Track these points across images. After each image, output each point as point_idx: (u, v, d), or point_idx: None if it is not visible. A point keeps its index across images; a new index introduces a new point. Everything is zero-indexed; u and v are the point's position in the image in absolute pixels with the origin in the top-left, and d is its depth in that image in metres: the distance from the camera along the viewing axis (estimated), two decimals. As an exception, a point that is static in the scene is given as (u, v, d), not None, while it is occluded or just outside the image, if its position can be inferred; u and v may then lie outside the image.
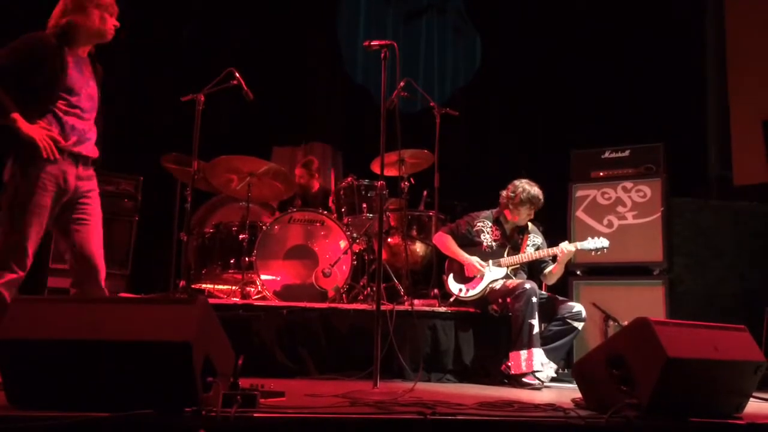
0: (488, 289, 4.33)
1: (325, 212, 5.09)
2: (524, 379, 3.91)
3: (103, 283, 3.03)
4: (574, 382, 2.94)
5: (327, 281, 4.77)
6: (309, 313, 4.17)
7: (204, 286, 5.16)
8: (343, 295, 4.84)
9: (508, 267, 4.36)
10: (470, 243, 4.48)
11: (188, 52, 6.85)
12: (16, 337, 2.12)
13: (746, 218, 5.20)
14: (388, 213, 5.26)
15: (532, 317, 3.99)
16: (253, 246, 4.73)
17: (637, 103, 6.56)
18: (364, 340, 3.73)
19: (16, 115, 2.82)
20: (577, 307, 4.19)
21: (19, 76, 2.88)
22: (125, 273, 5.74)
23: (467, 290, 4.39)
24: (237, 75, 4.66)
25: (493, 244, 4.46)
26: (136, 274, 5.81)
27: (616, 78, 6.66)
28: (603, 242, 4.23)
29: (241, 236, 4.81)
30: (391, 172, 4.85)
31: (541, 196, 4.37)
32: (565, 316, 4.14)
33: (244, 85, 4.69)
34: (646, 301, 4.74)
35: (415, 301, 4.57)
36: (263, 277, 4.73)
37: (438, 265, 4.89)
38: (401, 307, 3.98)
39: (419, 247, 5.41)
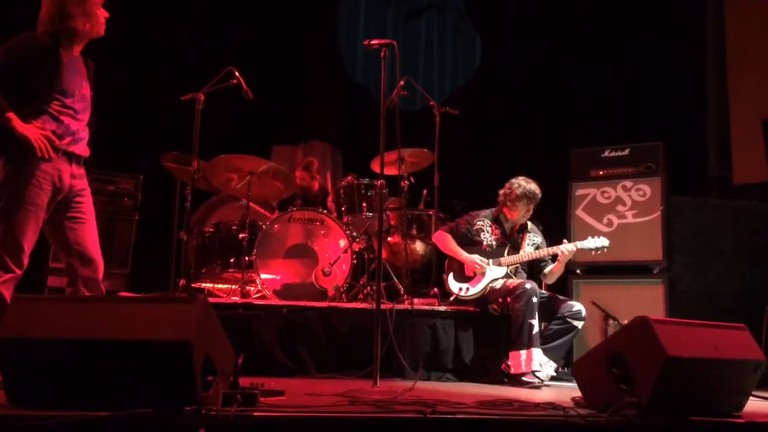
0: (488, 288, 4.33)
1: (325, 211, 5.09)
2: (524, 378, 3.91)
3: (101, 281, 3.04)
4: (574, 380, 2.93)
5: (327, 280, 4.77)
6: (309, 312, 4.17)
7: (204, 285, 5.15)
8: (343, 294, 4.83)
9: (508, 266, 4.36)
10: (470, 242, 4.49)
11: (188, 52, 6.85)
12: (16, 336, 2.13)
13: (746, 217, 5.20)
14: (387, 212, 5.25)
15: (533, 317, 3.99)
16: (252, 245, 4.74)
17: (637, 102, 6.55)
18: (363, 339, 3.74)
19: (11, 115, 2.83)
20: (577, 306, 4.19)
21: (15, 76, 2.88)
22: (125, 272, 5.75)
23: (467, 289, 4.39)
24: (237, 74, 4.66)
25: (493, 243, 4.46)
26: (136, 273, 5.81)
27: (616, 78, 6.65)
28: (603, 242, 4.23)
29: (240, 235, 4.81)
30: (390, 171, 4.85)
31: (537, 191, 4.37)
32: (565, 315, 4.14)
33: (243, 85, 4.69)
34: (645, 300, 4.73)
35: (415, 300, 4.57)
36: (263, 276, 4.73)
37: (438, 264, 4.89)
38: (401, 306, 3.98)
39: (419, 246, 5.41)
